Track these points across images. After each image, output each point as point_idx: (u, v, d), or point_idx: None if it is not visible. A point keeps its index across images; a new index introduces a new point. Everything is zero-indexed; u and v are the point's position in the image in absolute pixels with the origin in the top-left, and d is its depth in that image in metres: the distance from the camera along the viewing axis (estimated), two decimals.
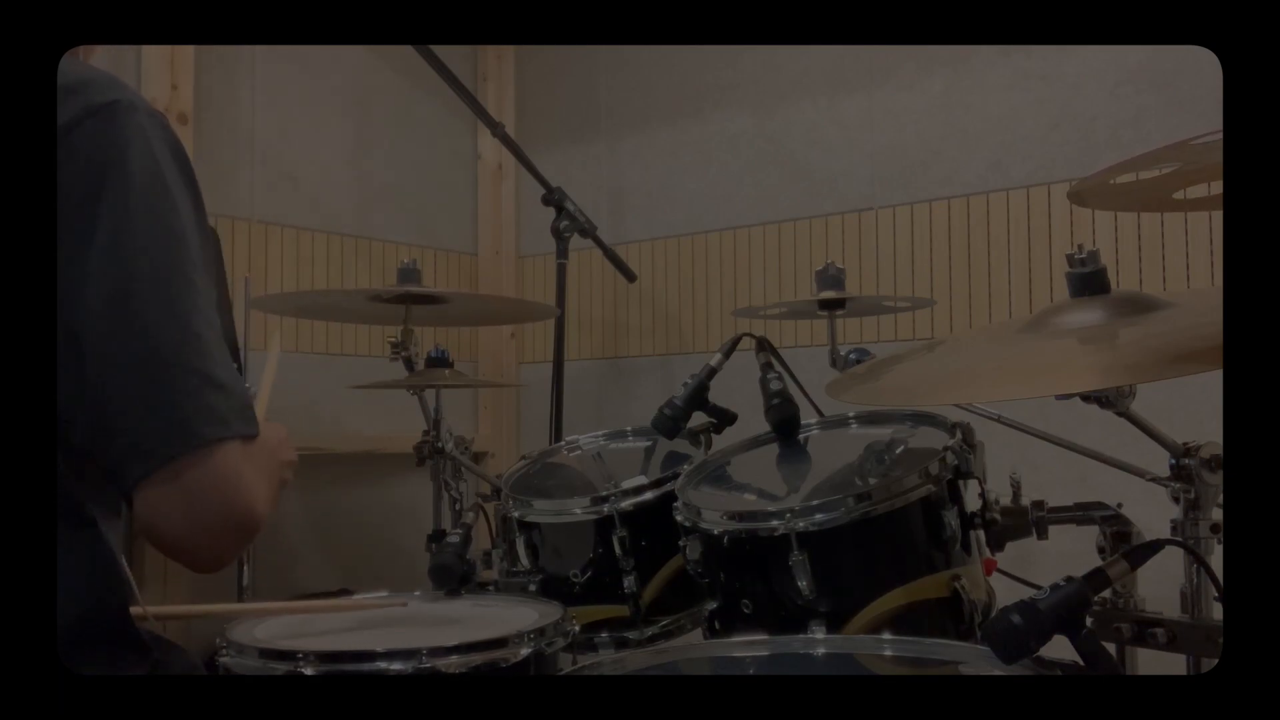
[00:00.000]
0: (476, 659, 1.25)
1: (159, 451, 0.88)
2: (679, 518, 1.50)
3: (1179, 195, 1.21)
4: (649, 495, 1.65)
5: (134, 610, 1.00)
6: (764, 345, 1.76)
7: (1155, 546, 1.11)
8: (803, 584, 1.35)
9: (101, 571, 0.95)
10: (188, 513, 0.89)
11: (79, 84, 0.92)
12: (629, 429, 2.00)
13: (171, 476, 0.88)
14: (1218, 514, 1.20)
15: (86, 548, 0.94)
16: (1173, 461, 1.22)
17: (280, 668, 1.23)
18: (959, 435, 1.46)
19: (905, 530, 1.39)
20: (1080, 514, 1.39)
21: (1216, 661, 0.92)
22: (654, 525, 1.62)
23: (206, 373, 0.91)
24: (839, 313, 1.95)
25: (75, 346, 0.88)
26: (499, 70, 3.20)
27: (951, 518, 1.39)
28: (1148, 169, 1.11)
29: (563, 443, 2.09)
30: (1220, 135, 0.89)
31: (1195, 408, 1.56)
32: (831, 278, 1.91)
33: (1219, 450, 1.19)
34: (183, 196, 0.94)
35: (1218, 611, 1.17)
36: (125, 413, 0.88)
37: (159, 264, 0.91)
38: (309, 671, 1.22)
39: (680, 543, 1.50)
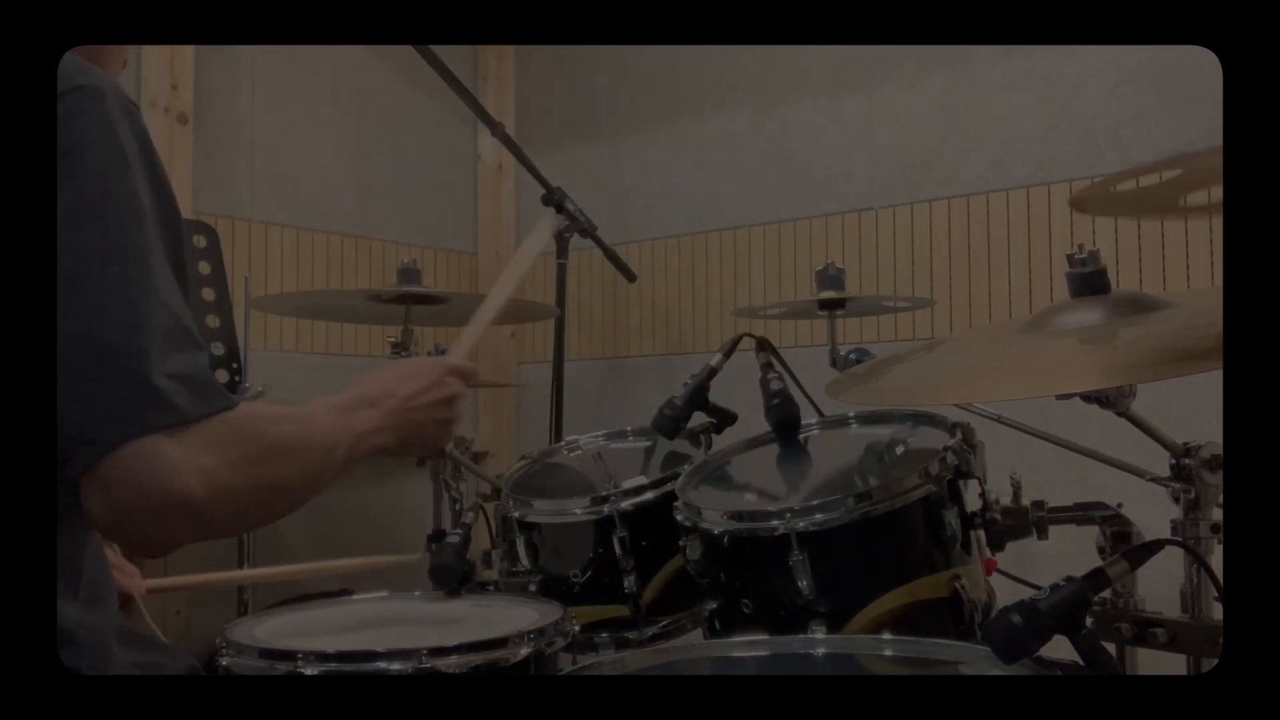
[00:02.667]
0: (476, 659, 1.25)
1: (99, 440, 0.86)
2: (679, 518, 1.50)
3: (1180, 201, 1.21)
4: (649, 495, 1.65)
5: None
6: (764, 345, 1.76)
7: (1155, 546, 1.11)
8: (803, 584, 1.35)
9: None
10: (111, 502, 0.88)
11: None
12: (629, 429, 2.00)
13: (105, 468, 0.87)
14: (1218, 514, 1.20)
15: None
16: (1173, 461, 1.22)
17: (280, 668, 1.23)
18: (959, 435, 1.46)
19: (905, 530, 1.39)
20: (1080, 514, 1.39)
21: (1216, 661, 0.92)
22: (654, 525, 1.62)
23: (153, 355, 0.89)
24: (839, 313, 1.95)
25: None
26: (499, 70, 3.20)
27: (951, 518, 1.39)
28: (1148, 177, 1.11)
29: (563, 443, 2.09)
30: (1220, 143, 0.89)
31: (1195, 408, 1.56)
32: (831, 278, 1.92)
33: (1219, 450, 1.19)
34: (143, 183, 0.93)
35: (1218, 611, 1.17)
36: (69, 400, 0.86)
37: (109, 247, 0.89)
38: (309, 671, 1.22)
39: (680, 543, 1.50)
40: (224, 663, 1.27)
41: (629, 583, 1.64)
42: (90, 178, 0.90)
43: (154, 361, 0.89)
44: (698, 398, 1.77)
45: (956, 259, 2.43)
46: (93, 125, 0.91)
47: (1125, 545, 1.32)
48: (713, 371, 1.78)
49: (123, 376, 0.88)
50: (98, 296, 0.88)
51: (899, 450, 1.54)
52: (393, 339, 2.05)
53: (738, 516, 1.43)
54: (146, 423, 0.88)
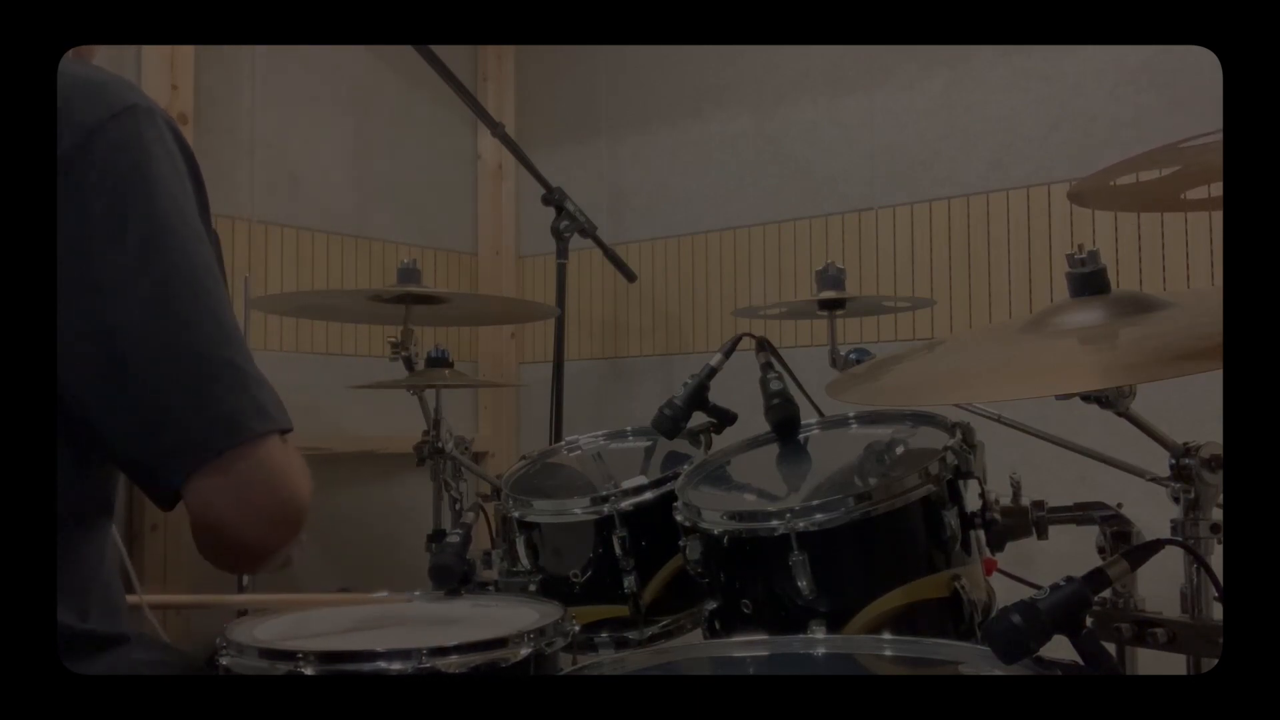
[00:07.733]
0: (476, 659, 1.25)
1: (210, 444, 0.89)
2: (679, 518, 1.50)
3: (1179, 196, 1.21)
4: (649, 495, 1.65)
5: (130, 599, 1.01)
6: (764, 345, 1.76)
7: (1155, 546, 1.11)
8: (803, 584, 1.35)
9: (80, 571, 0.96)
10: (238, 504, 0.91)
11: (97, 87, 0.92)
12: (629, 429, 2.00)
13: (222, 469, 0.90)
14: (1218, 514, 1.20)
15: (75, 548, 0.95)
16: (1173, 461, 1.22)
17: (280, 668, 1.23)
18: (959, 435, 1.46)
19: (905, 530, 1.39)
20: (1080, 514, 1.39)
21: (1216, 661, 0.92)
22: (654, 525, 1.62)
23: (245, 367, 0.93)
24: (839, 313, 1.95)
25: (109, 347, 0.88)
26: (499, 70, 3.20)
27: (951, 518, 1.39)
28: (1148, 169, 1.11)
29: (563, 443, 2.09)
30: (1219, 135, 0.89)
31: (1195, 408, 1.56)
32: (831, 278, 1.92)
33: (1219, 450, 1.19)
34: (195, 198, 0.97)
35: (1218, 611, 1.17)
36: (171, 408, 0.89)
37: (192, 262, 0.92)
38: (309, 671, 1.22)
39: (680, 543, 1.50)
40: (224, 662, 1.27)
41: (629, 583, 1.64)
42: (162, 199, 0.92)
43: (250, 371, 0.93)
44: (698, 398, 1.77)
45: (956, 259, 2.43)
46: (154, 145, 0.93)
47: (1125, 545, 1.32)
48: (713, 371, 1.78)
49: (229, 386, 0.91)
50: (190, 312, 0.90)
51: (899, 450, 1.54)
52: (393, 339, 2.05)
53: (737, 516, 1.43)
54: (272, 423, 0.92)
